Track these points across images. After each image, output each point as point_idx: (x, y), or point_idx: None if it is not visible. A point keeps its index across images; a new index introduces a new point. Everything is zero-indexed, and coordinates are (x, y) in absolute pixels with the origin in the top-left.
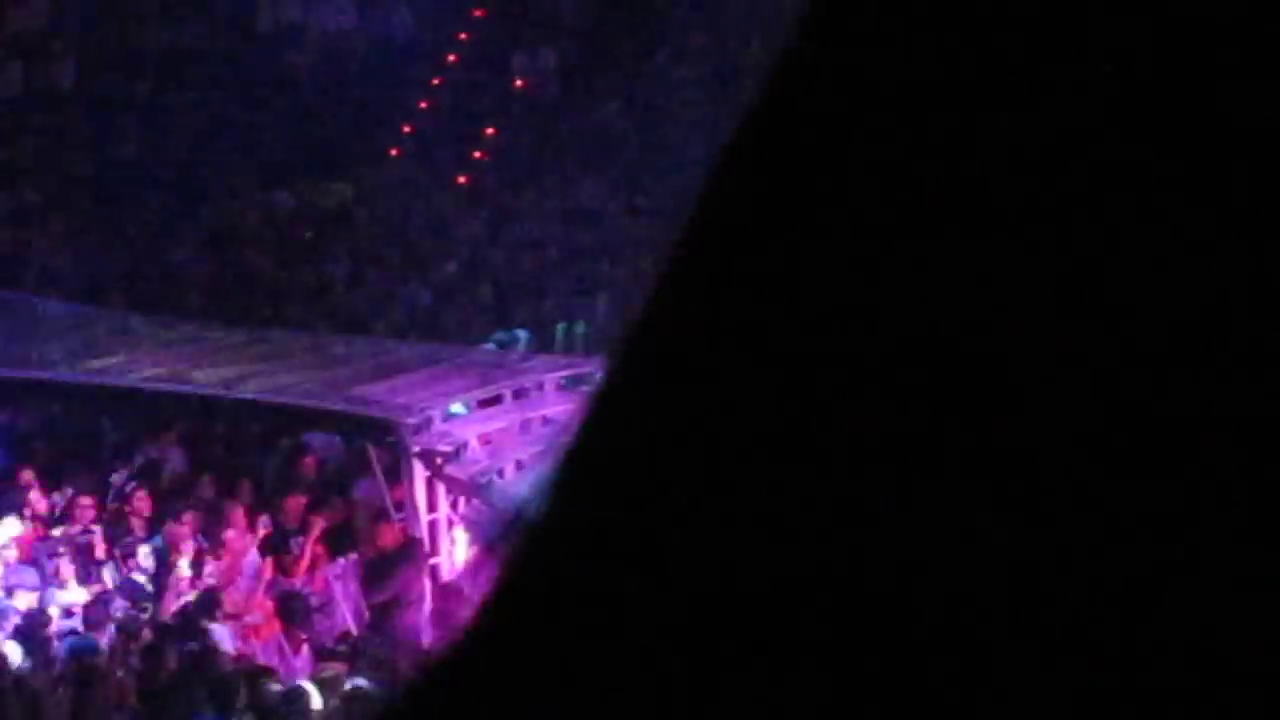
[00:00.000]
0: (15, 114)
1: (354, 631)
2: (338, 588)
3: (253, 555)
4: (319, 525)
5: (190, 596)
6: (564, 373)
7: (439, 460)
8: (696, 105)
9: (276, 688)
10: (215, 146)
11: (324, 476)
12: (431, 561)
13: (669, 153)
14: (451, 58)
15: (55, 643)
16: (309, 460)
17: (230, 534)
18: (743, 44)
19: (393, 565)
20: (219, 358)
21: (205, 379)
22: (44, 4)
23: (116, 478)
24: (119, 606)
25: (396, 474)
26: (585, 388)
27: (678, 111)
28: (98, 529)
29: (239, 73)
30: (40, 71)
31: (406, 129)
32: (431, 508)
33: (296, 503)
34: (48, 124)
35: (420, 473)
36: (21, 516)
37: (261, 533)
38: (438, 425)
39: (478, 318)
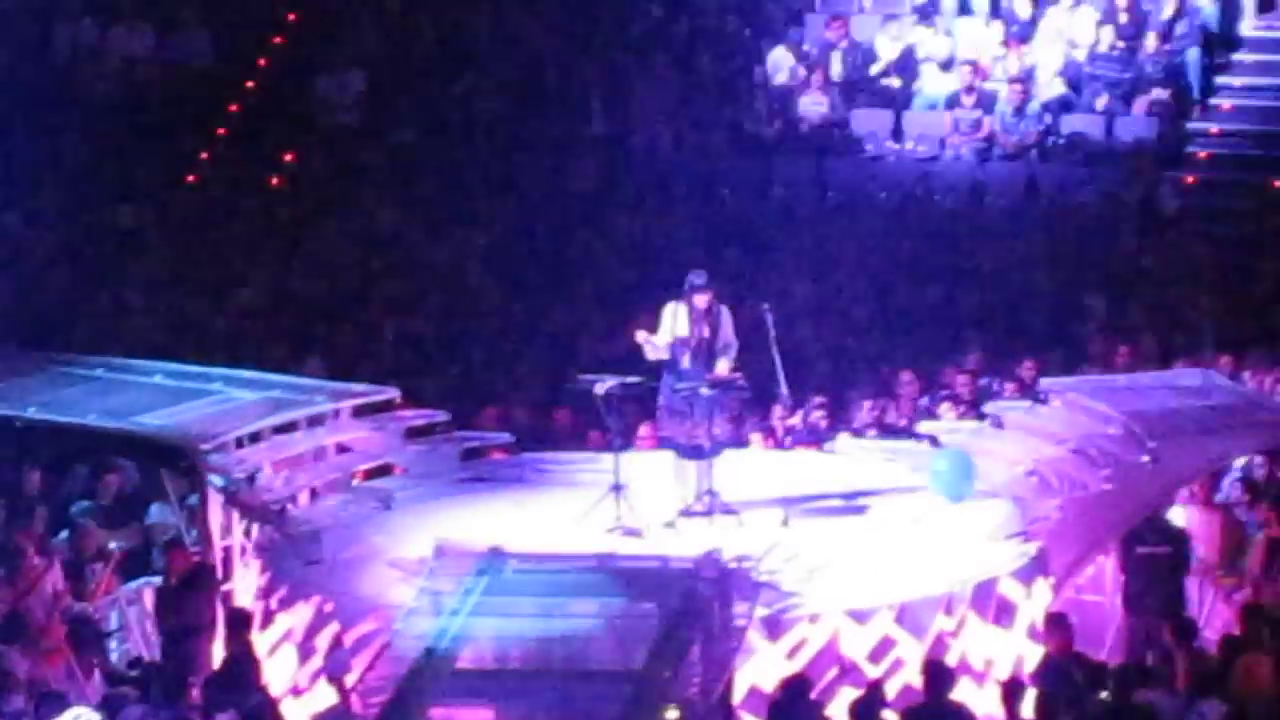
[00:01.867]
0: None
1: (146, 657)
2: (131, 613)
3: (50, 579)
4: (116, 552)
5: None
6: (359, 400)
7: (233, 486)
8: (496, 131)
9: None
10: (10, 170)
11: (120, 502)
12: (224, 588)
13: (467, 178)
14: (250, 84)
15: None
16: (109, 485)
17: (29, 558)
18: (538, 71)
19: (186, 592)
20: (11, 380)
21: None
22: None
23: None
24: None
25: (188, 500)
26: (380, 415)
27: (477, 137)
28: None
29: (35, 98)
30: None
31: (204, 155)
32: (225, 534)
33: (93, 528)
34: None
35: (214, 499)
36: None
37: (58, 558)
38: (232, 451)
39: (276, 344)
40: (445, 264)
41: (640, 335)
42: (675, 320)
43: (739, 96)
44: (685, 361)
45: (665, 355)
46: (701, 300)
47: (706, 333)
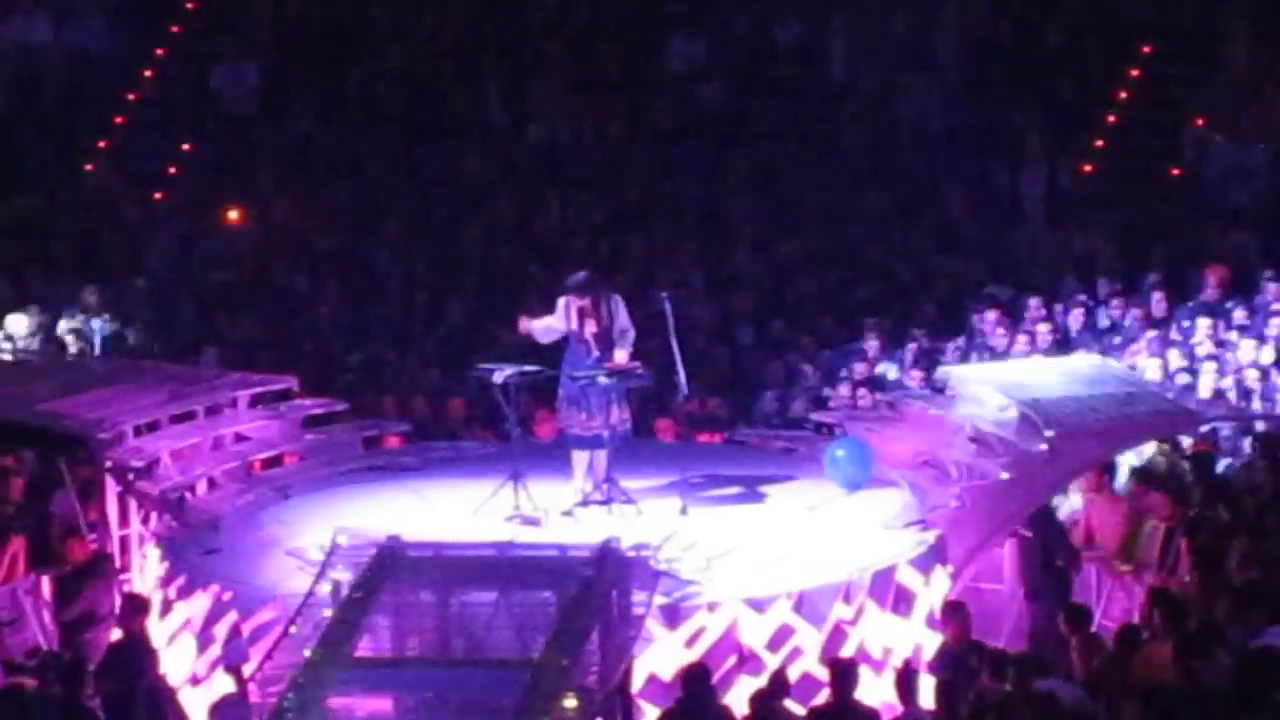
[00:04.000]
0: None
1: (44, 646)
2: (28, 602)
3: None
4: (14, 541)
5: None
6: (257, 389)
7: (131, 475)
8: (391, 120)
9: None
10: None
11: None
12: (122, 577)
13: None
14: (148, 73)
15: None
16: (13, 476)
17: None
18: (436, 60)
19: (83, 580)
20: None
21: None
22: None
23: None
24: None
25: (88, 489)
26: (278, 405)
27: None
28: None
29: None
30: None
31: (102, 144)
32: (123, 523)
33: None
34: None
35: (112, 488)
36: None
37: None
38: (130, 440)
39: (172, 333)
40: (342, 253)
41: (522, 323)
42: (568, 314)
43: (638, 85)
44: (582, 351)
45: (554, 337)
46: (583, 301)
47: (596, 326)
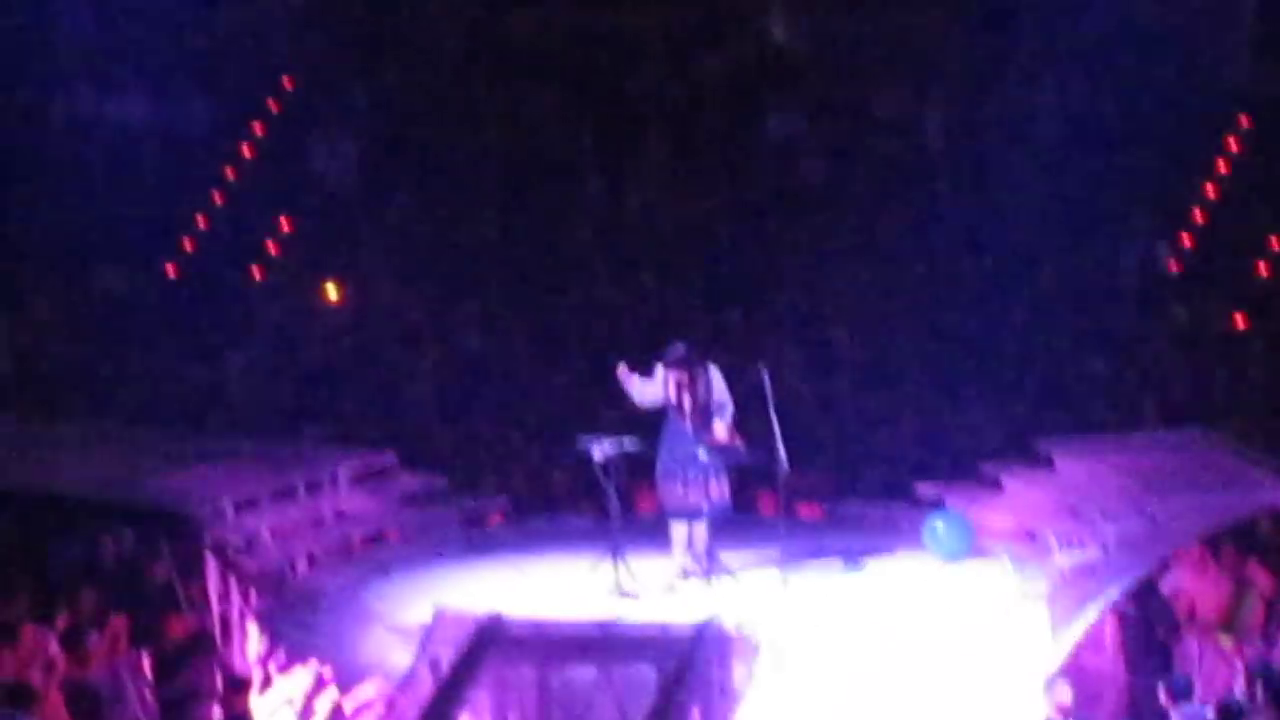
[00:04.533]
0: None
1: None
2: (129, 680)
3: (48, 647)
4: (115, 619)
5: None
6: (357, 465)
7: (231, 552)
8: (490, 196)
9: None
10: (8, 237)
11: (118, 568)
12: (222, 654)
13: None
14: (246, 149)
15: None
16: (106, 552)
17: (26, 627)
18: (535, 135)
19: (184, 658)
20: (4, 448)
21: None
22: None
23: None
24: None
25: (189, 566)
26: (378, 481)
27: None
28: None
29: (31, 163)
30: None
31: (200, 220)
32: (224, 600)
33: (91, 595)
34: None
35: (213, 565)
36: None
37: (59, 625)
38: (230, 517)
39: (276, 410)
40: (441, 328)
41: (621, 370)
42: (666, 385)
43: (737, 158)
44: (680, 424)
45: (645, 399)
46: (680, 374)
47: (693, 399)
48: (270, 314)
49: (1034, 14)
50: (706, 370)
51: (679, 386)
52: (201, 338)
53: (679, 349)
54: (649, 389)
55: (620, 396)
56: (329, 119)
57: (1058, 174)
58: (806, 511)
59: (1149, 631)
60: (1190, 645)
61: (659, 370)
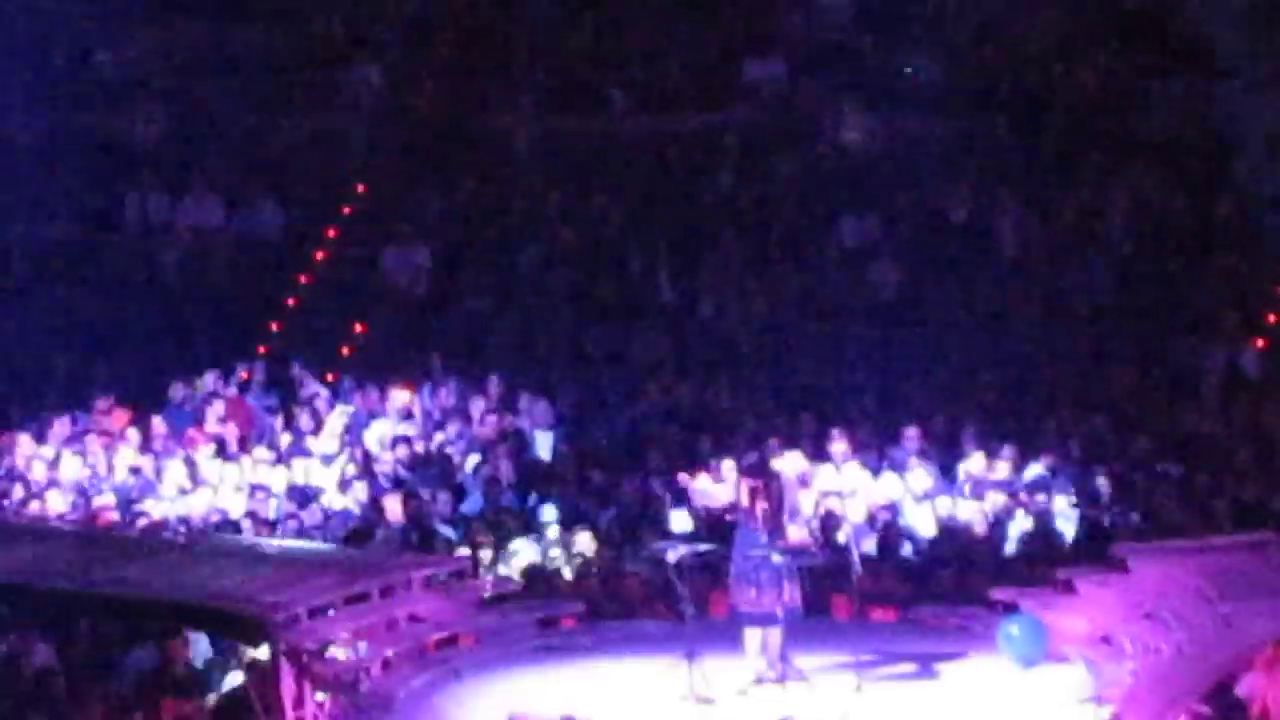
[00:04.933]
0: None
1: None
2: None
3: None
4: None
5: None
6: (431, 570)
7: (305, 657)
8: (562, 300)
9: None
10: (78, 341)
11: (190, 672)
12: None
13: (536, 348)
14: (319, 254)
15: None
16: (178, 656)
17: None
18: (607, 240)
19: None
20: (83, 552)
21: (70, 572)
22: None
23: None
24: None
25: (263, 672)
26: (452, 585)
27: (546, 307)
28: None
29: (106, 268)
30: None
31: (274, 326)
32: (298, 705)
33: (172, 704)
34: None
35: (287, 670)
36: None
37: None
38: (305, 622)
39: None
40: (515, 433)
41: (684, 479)
42: (738, 491)
43: (809, 263)
44: (753, 529)
45: (713, 505)
46: (761, 469)
47: (767, 504)
48: (342, 418)
49: (1105, 115)
50: (778, 476)
51: (753, 492)
52: (274, 440)
53: (754, 458)
54: (718, 492)
55: (692, 500)
56: (401, 224)
57: (1130, 275)
58: (880, 614)
59: None
60: None
61: (729, 473)
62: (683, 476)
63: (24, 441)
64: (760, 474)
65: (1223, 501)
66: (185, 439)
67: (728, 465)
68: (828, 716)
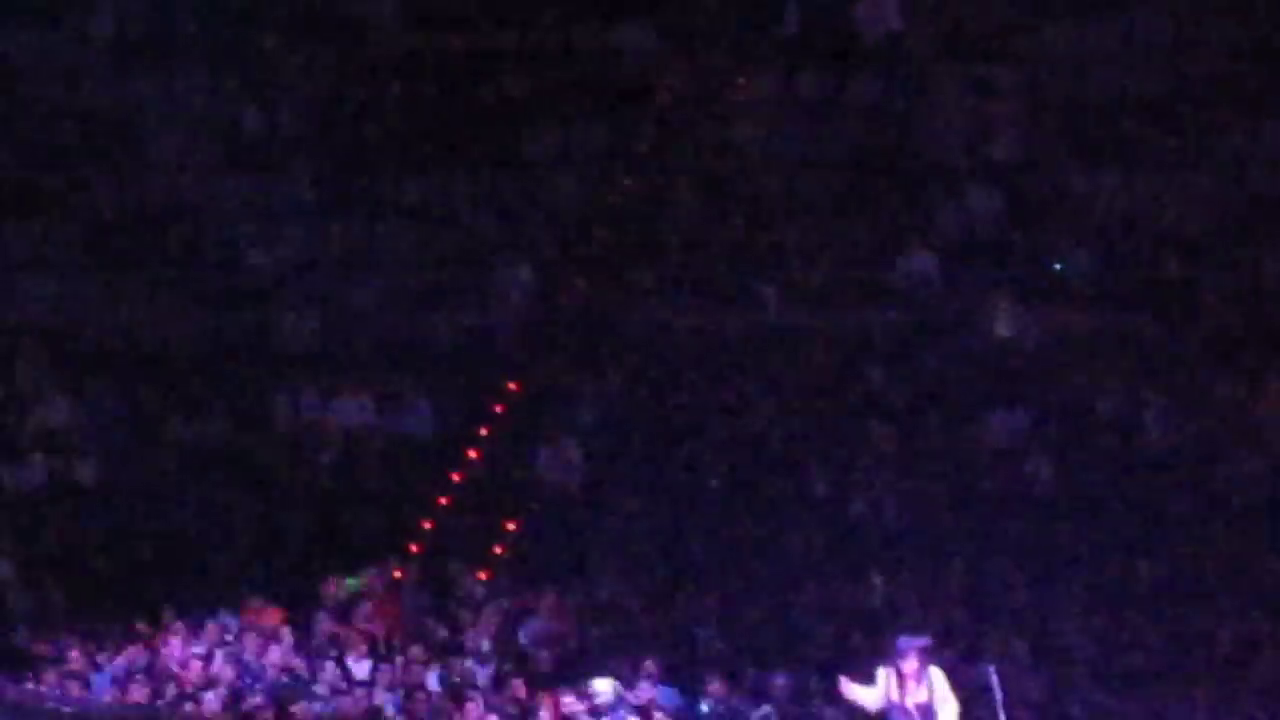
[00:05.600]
0: (37, 508)
1: None
2: None
3: None
4: None
5: None
6: None
7: None
8: (714, 499)
9: None
10: (240, 544)
11: None
12: None
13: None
14: (472, 453)
15: None
16: None
17: None
18: (757, 438)
19: None
20: None
21: None
22: (65, 403)
23: None
24: None
25: None
26: None
27: (699, 510)
28: None
29: (258, 468)
30: (62, 467)
31: (427, 524)
32: None
33: None
34: (69, 518)
35: None
36: None
37: None
38: None
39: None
40: (669, 632)
41: (844, 687)
42: (889, 684)
43: (961, 457)
44: None
45: (869, 707)
46: (911, 664)
47: (921, 697)
48: (495, 616)
49: (1240, 306)
50: (929, 670)
51: (903, 682)
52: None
53: (910, 643)
54: (871, 695)
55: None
56: (553, 423)
57: None
58: None
59: None
60: None
61: (879, 674)
62: (844, 683)
63: (177, 641)
64: (917, 661)
65: None
66: (340, 638)
67: (880, 671)
68: None
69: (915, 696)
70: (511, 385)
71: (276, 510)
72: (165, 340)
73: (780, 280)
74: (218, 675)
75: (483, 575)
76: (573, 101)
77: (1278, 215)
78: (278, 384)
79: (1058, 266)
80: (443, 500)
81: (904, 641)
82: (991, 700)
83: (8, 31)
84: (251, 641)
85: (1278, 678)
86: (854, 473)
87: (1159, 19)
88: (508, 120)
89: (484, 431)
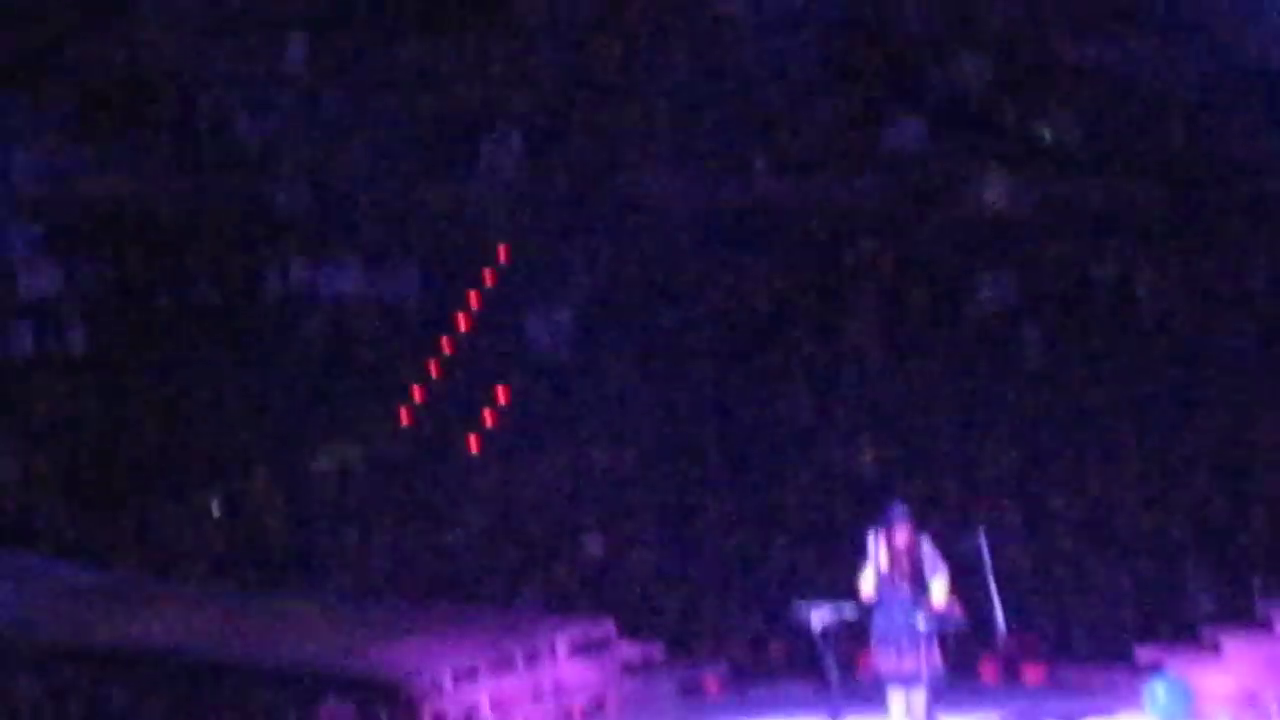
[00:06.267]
0: (23, 378)
1: None
2: None
3: None
4: None
5: None
6: (575, 634)
7: None
8: (706, 362)
9: None
10: (225, 411)
11: None
12: None
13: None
14: (462, 320)
15: None
16: None
17: None
18: (752, 309)
19: None
20: (225, 621)
21: (211, 643)
22: (57, 271)
23: None
24: None
25: None
26: (597, 649)
27: (689, 371)
28: None
29: (247, 337)
30: (50, 336)
31: (417, 392)
32: None
33: None
34: (57, 387)
35: None
36: None
37: None
38: (449, 689)
39: (495, 578)
40: (662, 500)
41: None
42: (876, 551)
43: (950, 325)
44: (897, 591)
45: (866, 581)
46: (902, 532)
47: (909, 564)
48: (487, 485)
49: (1244, 175)
50: (920, 537)
51: (893, 551)
52: (418, 509)
53: (899, 508)
54: (869, 575)
55: (837, 563)
56: (544, 288)
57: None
58: (1025, 675)
59: None
60: None
61: (869, 539)
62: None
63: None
64: (906, 526)
65: None
66: None
67: (870, 538)
68: None
69: (905, 563)
70: (501, 251)
71: (265, 378)
72: (154, 208)
73: (769, 149)
74: None
75: (473, 444)
76: None
77: (1275, 85)
78: (268, 252)
79: (1046, 135)
80: (433, 368)
81: (894, 510)
82: (981, 567)
83: None
84: None
85: (1268, 544)
86: (843, 341)
87: None
88: None
89: (473, 297)
